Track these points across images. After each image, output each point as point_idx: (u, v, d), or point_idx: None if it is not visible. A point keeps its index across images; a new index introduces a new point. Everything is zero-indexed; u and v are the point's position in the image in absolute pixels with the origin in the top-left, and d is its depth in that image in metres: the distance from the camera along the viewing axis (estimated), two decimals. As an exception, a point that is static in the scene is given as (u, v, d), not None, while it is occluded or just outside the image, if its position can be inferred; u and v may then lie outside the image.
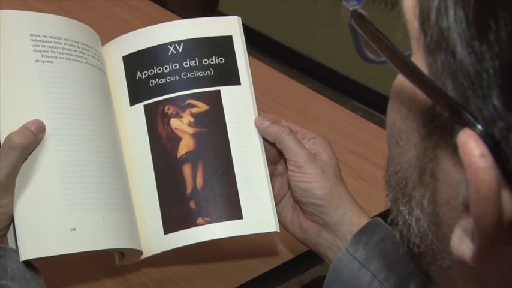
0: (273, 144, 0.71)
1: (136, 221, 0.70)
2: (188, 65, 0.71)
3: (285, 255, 0.85)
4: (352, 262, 0.67)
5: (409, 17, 0.34)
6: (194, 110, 0.71)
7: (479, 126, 0.29)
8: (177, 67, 0.71)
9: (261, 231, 0.70)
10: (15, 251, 0.62)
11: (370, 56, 0.39)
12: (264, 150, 0.71)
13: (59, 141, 0.66)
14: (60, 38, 0.70)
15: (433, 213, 0.35)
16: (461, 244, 0.32)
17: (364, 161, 1.03)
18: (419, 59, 0.33)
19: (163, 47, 0.72)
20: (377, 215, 0.88)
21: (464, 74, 0.30)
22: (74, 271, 0.80)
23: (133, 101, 0.73)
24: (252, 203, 0.69)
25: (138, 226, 0.70)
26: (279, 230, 0.70)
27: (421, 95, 0.32)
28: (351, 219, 0.68)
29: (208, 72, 0.72)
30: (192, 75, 0.71)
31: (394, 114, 0.37)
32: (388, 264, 0.66)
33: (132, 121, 0.73)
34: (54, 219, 0.63)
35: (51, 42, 0.69)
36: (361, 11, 0.36)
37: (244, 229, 0.69)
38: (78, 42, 0.71)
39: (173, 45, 0.72)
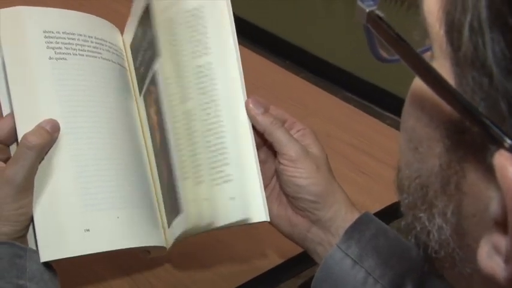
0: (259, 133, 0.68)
1: (156, 216, 0.69)
2: None
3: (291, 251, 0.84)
4: (345, 259, 0.65)
5: (431, 22, 0.33)
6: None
7: None
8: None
9: (250, 222, 0.66)
10: (35, 252, 0.62)
11: (385, 55, 0.38)
12: (252, 134, 0.67)
13: (75, 140, 0.65)
14: (74, 34, 0.68)
15: (456, 223, 0.35)
16: (490, 261, 0.31)
17: (364, 155, 1.03)
18: (443, 66, 0.32)
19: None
20: (380, 211, 0.91)
21: (501, 96, 0.29)
22: (81, 272, 0.79)
23: (140, 90, 0.72)
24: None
25: (160, 219, 0.69)
26: (269, 220, 0.66)
27: (445, 105, 0.31)
28: (344, 215, 0.67)
29: None
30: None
31: (414, 120, 0.36)
32: (383, 261, 0.65)
33: (143, 112, 0.72)
34: (71, 220, 0.63)
35: (64, 38, 0.68)
36: (378, 12, 0.35)
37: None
38: (91, 37, 0.70)
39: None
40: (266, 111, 0.67)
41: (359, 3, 0.35)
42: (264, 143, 0.69)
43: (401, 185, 0.39)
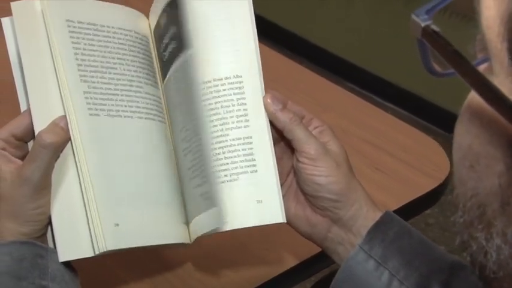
0: (276, 129, 0.67)
1: (181, 211, 0.68)
2: None
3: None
4: (368, 260, 0.64)
5: (491, 37, 0.32)
6: None
7: None
8: None
9: (266, 223, 0.65)
10: (55, 251, 0.62)
11: (438, 69, 0.37)
12: (270, 130, 0.66)
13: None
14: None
15: None
16: None
17: (381, 152, 1.02)
18: (504, 83, 0.32)
19: None
20: (397, 209, 0.91)
21: None
22: (100, 272, 0.79)
23: (163, 78, 0.72)
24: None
25: (184, 215, 0.68)
26: (285, 221, 0.66)
27: (508, 124, 0.31)
28: (366, 214, 0.66)
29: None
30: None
31: (471, 137, 0.35)
32: (407, 262, 0.64)
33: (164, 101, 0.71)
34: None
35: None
36: (434, 27, 0.34)
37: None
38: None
39: None
40: (284, 107, 0.66)
41: (413, 17, 0.35)
42: (280, 139, 0.68)
43: (457, 202, 0.38)
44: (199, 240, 0.67)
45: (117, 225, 0.62)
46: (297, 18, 2.60)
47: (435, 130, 2.24)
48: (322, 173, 0.65)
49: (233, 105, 0.66)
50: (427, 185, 0.96)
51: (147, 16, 0.72)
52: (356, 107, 1.13)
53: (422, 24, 0.34)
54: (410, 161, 1.00)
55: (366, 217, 0.66)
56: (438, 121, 2.29)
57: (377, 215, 0.66)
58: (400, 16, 2.35)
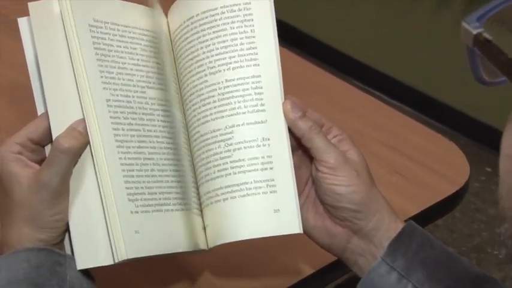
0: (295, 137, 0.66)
1: (199, 216, 0.67)
2: None
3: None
4: (391, 273, 0.63)
5: None
6: None
7: None
8: None
9: (283, 233, 0.65)
10: (73, 259, 0.61)
11: (487, 78, 0.36)
12: (288, 138, 0.65)
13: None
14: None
15: None
16: None
17: (399, 155, 1.00)
18: None
19: None
20: (417, 214, 0.90)
21: None
22: (118, 281, 0.77)
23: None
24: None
25: (202, 219, 0.67)
26: (302, 231, 0.65)
27: None
28: (388, 225, 0.65)
29: None
30: None
31: None
32: (432, 274, 0.62)
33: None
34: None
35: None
36: (486, 35, 0.32)
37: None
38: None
39: None
40: (304, 114, 0.65)
41: (464, 24, 0.33)
42: (298, 147, 0.67)
43: (503, 214, 0.37)
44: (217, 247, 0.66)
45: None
46: (306, 16, 2.59)
47: (455, 134, 2.22)
48: (342, 182, 0.64)
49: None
50: (447, 189, 0.95)
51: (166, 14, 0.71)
52: (372, 108, 1.11)
53: (474, 32, 0.33)
54: (429, 164, 0.99)
55: (388, 228, 0.65)
56: (458, 125, 2.28)
57: (399, 226, 0.65)
58: (406, 15, 2.36)
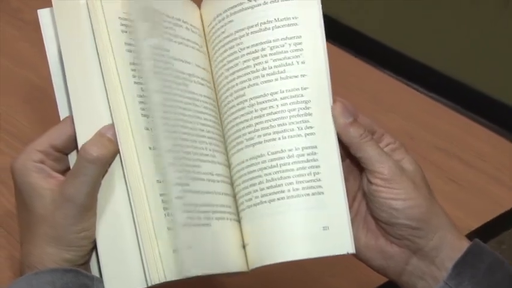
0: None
1: (240, 233, 0.63)
2: None
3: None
4: None
5: None
6: None
7: None
8: None
9: (333, 253, 0.60)
10: (101, 281, 0.57)
11: None
12: (338, 146, 0.60)
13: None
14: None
15: None
16: None
17: (454, 160, 0.95)
18: None
19: None
20: (477, 229, 0.84)
21: None
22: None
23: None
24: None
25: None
26: (355, 251, 0.60)
27: None
28: (451, 243, 0.60)
29: None
30: None
31: None
32: None
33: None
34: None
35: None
36: None
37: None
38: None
39: None
40: (355, 120, 0.60)
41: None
42: (346, 156, 0.62)
43: None
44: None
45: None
46: (353, 10, 2.55)
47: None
48: (399, 196, 0.59)
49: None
50: (509, 199, 0.89)
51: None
52: (423, 107, 1.05)
53: None
54: (488, 170, 0.94)
55: (452, 247, 0.59)
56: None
57: (464, 244, 0.59)
58: (466, 14, 2.28)
